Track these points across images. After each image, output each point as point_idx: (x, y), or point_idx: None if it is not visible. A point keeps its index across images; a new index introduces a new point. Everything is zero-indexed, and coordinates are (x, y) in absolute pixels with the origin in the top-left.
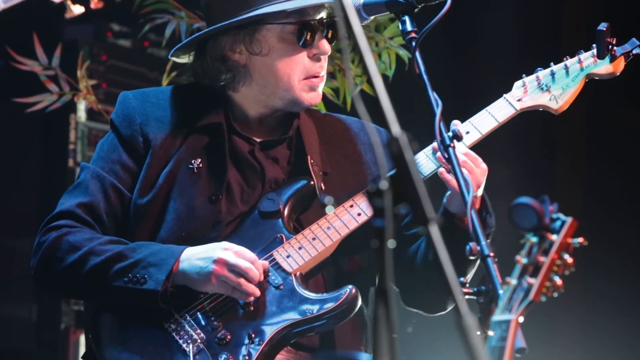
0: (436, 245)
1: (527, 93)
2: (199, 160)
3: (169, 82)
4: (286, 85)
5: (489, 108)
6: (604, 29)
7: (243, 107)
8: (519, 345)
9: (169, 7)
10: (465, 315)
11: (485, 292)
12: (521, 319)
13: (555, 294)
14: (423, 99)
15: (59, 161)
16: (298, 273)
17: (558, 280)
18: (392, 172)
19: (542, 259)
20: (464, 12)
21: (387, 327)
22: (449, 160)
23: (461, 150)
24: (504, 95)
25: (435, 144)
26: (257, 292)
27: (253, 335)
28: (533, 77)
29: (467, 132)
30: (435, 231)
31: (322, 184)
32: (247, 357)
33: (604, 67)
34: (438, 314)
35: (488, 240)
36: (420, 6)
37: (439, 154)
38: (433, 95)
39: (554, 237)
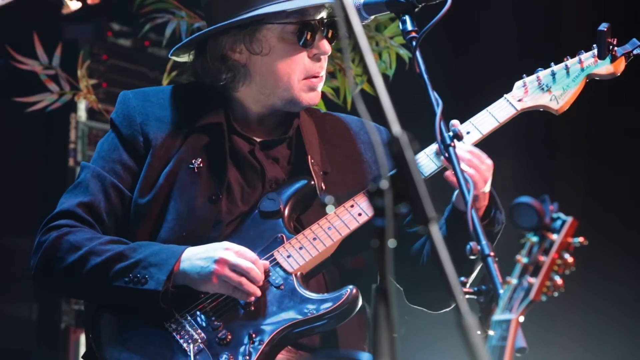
0: (437, 245)
1: (528, 93)
2: (200, 160)
3: (169, 81)
4: (286, 85)
5: (489, 108)
6: (605, 29)
7: (243, 106)
8: (519, 345)
9: (169, 6)
10: (465, 315)
11: (486, 291)
12: (521, 319)
13: (556, 294)
14: (424, 99)
15: (59, 160)
16: (299, 273)
17: (558, 280)
18: (393, 171)
19: (542, 258)
20: (464, 12)
21: (388, 327)
22: (449, 159)
23: (465, 148)
24: (505, 95)
25: (436, 145)
26: (258, 292)
27: (254, 335)
28: (534, 77)
29: (468, 132)
30: (435, 231)
31: (322, 184)
32: (247, 357)
33: (605, 68)
34: (442, 311)
35: (497, 236)
36: (420, 6)
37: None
38: (433, 95)
39: (554, 236)
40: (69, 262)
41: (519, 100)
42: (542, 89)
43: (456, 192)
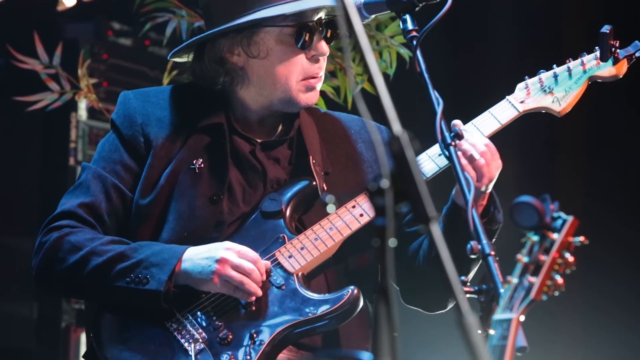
0: (437, 244)
1: (530, 95)
2: (201, 160)
3: (169, 80)
4: (284, 87)
5: (491, 110)
6: (607, 31)
7: (243, 107)
8: (520, 344)
9: (169, 5)
10: (466, 314)
11: (486, 290)
12: (522, 318)
13: (557, 293)
14: (424, 98)
15: (60, 160)
16: (300, 273)
17: (559, 279)
18: (393, 170)
19: (543, 257)
20: (464, 11)
21: (388, 326)
22: (449, 158)
23: (483, 140)
24: (507, 97)
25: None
26: (259, 292)
27: (255, 335)
28: (536, 79)
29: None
30: (436, 230)
31: (323, 184)
32: (248, 357)
33: (607, 70)
34: (437, 312)
35: (495, 237)
36: (421, 5)
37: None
38: (434, 94)
39: (555, 235)
40: (70, 263)
41: (521, 102)
42: (544, 90)
43: (456, 187)
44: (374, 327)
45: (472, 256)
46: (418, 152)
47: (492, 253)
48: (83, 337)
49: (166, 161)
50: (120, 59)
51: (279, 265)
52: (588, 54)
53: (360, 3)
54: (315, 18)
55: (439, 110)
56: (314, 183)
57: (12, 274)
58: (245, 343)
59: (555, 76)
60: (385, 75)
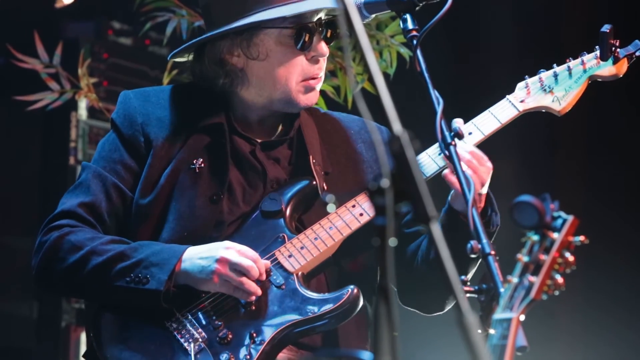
0: (438, 243)
1: (530, 94)
2: (201, 160)
3: (170, 80)
4: (283, 88)
5: (491, 109)
6: (607, 30)
7: (243, 107)
8: (520, 344)
9: (170, 5)
10: (466, 313)
11: (487, 290)
12: (522, 317)
13: (557, 292)
14: (424, 97)
15: (60, 159)
16: (300, 273)
17: (559, 279)
18: (394, 170)
19: (543, 257)
20: (465, 11)
21: (388, 325)
22: (450, 158)
23: (467, 148)
24: (507, 96)
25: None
26: (259, 292)
27: (254, 335)
28: (536, 78)
29: (470, 133)
30: (436, 229)
31: (324, 184)
32: (248, 357)
33: (607, 69)
34: (435, 314)
35: (492, 239)
36: (421, 4)
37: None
38: (434, 94)
39: (555, 235)
40: (70, 262)
41: (521, 101)
42: (545, 90)
43: (452, 192)
44: (374, 326)
45: (472, 255)
46: (418, 152)
47: (492, 252)
48: (83, 337)
49: (166, 161)
50: (121, 59)
51: (279, 264)
52: (588, 53)
53: (361, 2)
54: (315, 19)
55: (439, 109)
56: (314, 183)
57: (12, 273)
58: (245, 343)
59: (556, 75)
60: (386, 75)
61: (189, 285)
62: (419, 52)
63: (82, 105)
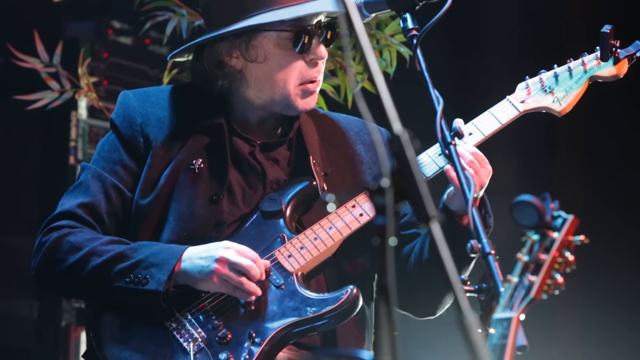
0: (438, 243)
1: (531, 95)
2: (200, 160)
3: (170, 79)
4: (282, 91)
5: (492, 109)
6: (608, 31)
7: (242, 109)
8: (520, 343)
9: (170, 4)
10: (466, 313)
11: (487, 289)
12: (522, 317)
13: (557, 292)
14: (424, 97)
15: (60, 158)
16: (299, 273)
17: (559, 278)
18: (394, 169)
19: (543, 256)
20: (465, 11)
21: (388, 325)
22: (450, 157)
23: (469, 149)
24: (507, 97)
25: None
26: (259, 292)
27: (254, 335)
28: (536, 78)
29: (470, 134)
30: (436, 228)
31: (324, 184)
32: (247, 357)
33: (608, 70)
34: (426, 318)
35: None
36: (421, 4)
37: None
38: (434, 93)
39: (555, 234)
40: (70, 263)
41: (522, 102)
42: (545, 90)
43: (448, 191)
44: (374, 326)
45: (472, 255)
46: (418, 152)
47: (492, 252)
48: (83, 336)
49: (166, 161)
50: (121, 58)
51: (279, 264)
52: (589, 53)
53: (361, 2)
54: (314, 22)
55: (439, 109)
56: (314, 183)
57: (12, 273)
58: (244, 342)
59: (556, 76)
60: (386, 74)
61: (189, 285)
62: (419, 51)
63: (82, 104)
